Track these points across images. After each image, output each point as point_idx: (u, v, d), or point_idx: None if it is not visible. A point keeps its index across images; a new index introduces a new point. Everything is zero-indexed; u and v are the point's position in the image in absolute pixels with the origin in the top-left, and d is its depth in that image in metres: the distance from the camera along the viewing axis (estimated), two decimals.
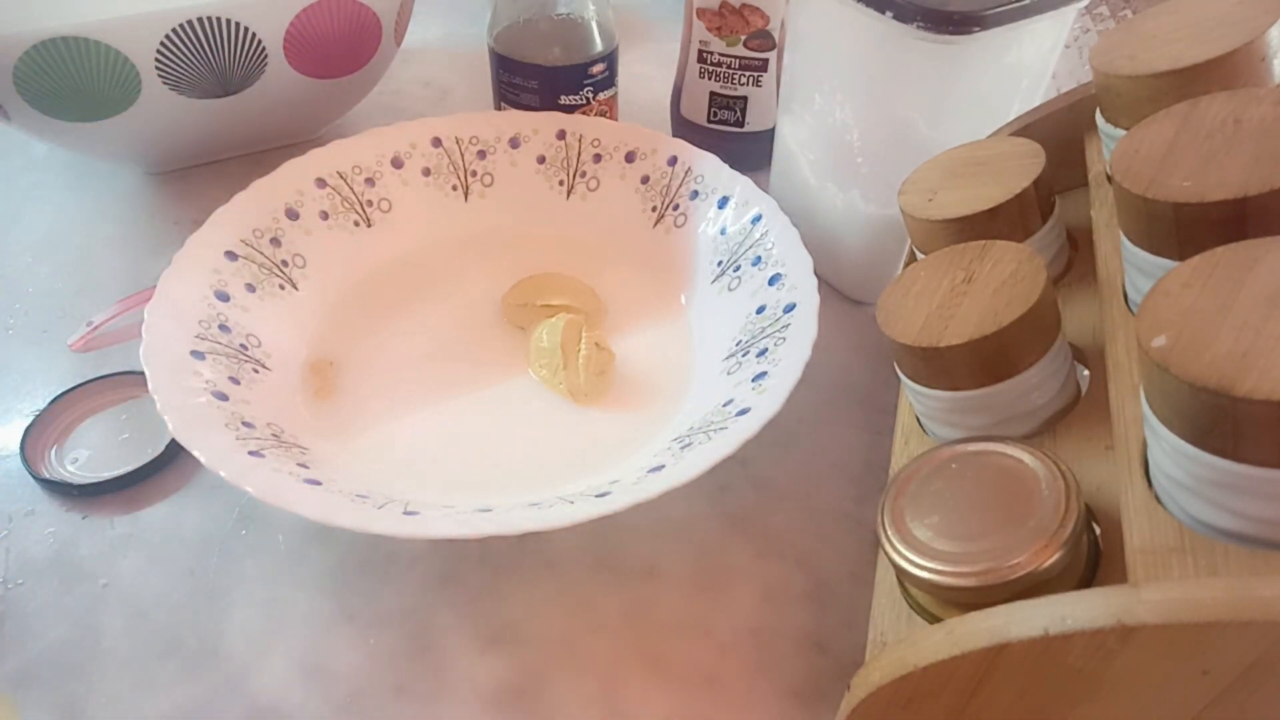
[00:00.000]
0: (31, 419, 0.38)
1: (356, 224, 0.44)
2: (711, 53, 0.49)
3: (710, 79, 0.50)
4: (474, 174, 0.47)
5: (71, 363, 0.42)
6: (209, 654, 0.32)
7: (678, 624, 0.33)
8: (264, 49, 0.46)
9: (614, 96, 0.51)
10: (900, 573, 0.25)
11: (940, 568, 0.24)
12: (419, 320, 0.42)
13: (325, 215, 0.43)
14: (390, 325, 0.42)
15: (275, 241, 0.41)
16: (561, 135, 0.46)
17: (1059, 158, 0.33)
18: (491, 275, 0.44)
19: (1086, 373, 0.29)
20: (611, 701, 0.31)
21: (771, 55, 0.49)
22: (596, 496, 0.31)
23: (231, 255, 0.39)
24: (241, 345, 0.37)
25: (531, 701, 0.31)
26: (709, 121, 0.52)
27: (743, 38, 0.48)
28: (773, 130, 0.47)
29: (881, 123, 0.39)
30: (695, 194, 0.44)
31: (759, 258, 0.40)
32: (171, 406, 0.32)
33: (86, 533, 0.35)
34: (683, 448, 0.33)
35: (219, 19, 0.43)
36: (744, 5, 0.47)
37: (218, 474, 0.30)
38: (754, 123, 0.51)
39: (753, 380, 0.35)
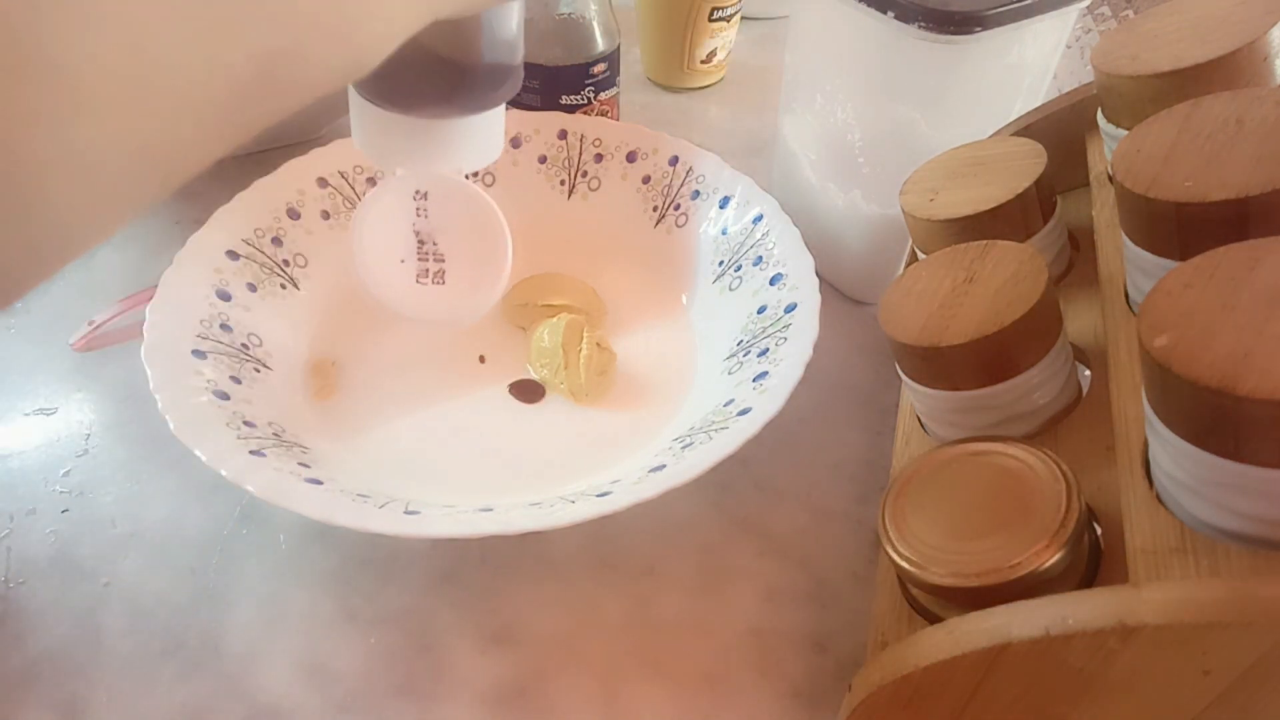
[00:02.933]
0: None
1: None
2: None
3: None
4: (474, 174, 0.46)
5: (73, 362, 0.42)
6: (210, 653, 0.32)
7: (678, 624, 0.33)
8: None
9: (615, 96, 0.51)
10: (901, 573, 0.25)
11: (941, 568, 0.24)
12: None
13: (327, 215, 0.43)
14: (392, 325, 0.42)
15: (277, 241, 0.41)
16: (563, 135, 0.46)
17: (1060, 158, 0.33)
18: None
19: (1088, 373, 0.29)
20: (611, 701, 0.31)
21: None
22: (597, 496, 0.31)
23: (233, 255, 0.39)
24: (243, 345, 0.37)
25: (531, 701, 0.31)
26: None
27: None
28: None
29: (883, 122, 0.39)
30: (696, 194, 0.44)
31: (760, 257, 0.40)
32: (173, 405, 0.32)
33: (88, 532, 0.35)
34: (684, 447, 0.33)
35: None
36: None
37: (219, 473, 0.30)
38: None
39: (754, 380, 0.35)
